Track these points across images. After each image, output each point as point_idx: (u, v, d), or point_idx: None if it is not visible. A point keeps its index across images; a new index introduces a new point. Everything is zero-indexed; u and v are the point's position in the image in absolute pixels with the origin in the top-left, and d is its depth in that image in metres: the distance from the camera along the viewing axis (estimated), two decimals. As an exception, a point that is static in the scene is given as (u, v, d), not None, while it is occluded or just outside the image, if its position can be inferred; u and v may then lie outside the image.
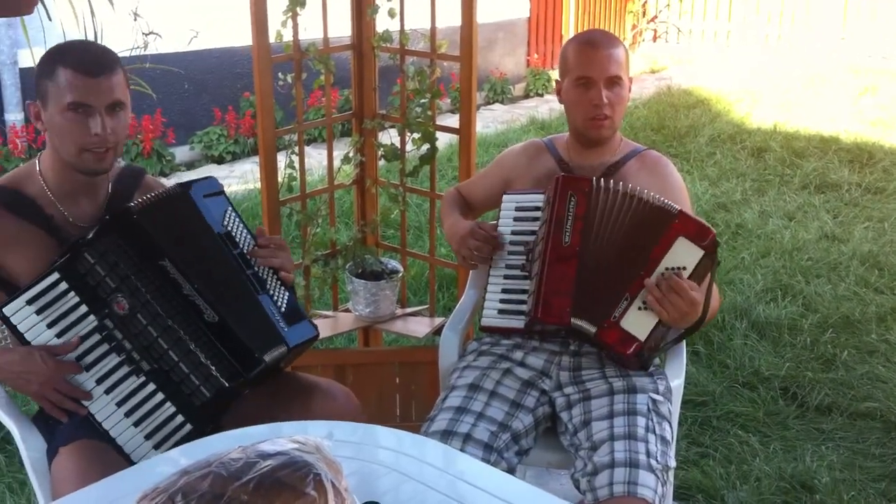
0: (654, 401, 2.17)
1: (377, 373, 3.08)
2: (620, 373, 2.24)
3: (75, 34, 2.33)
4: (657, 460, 2.01)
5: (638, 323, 2.13)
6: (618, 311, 2.13)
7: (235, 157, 7.33)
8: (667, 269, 2.12)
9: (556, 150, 2.48)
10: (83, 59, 1.96)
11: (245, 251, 2.08)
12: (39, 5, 2.32)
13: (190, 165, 7.16)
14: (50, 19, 2.46)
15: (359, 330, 3.23)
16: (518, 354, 2.33)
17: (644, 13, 12.33)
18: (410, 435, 1.82)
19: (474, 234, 2.39)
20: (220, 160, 7.23)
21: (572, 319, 2.17)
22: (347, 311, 3.18)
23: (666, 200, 2.21)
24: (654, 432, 2.09)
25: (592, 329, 2.16)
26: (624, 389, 2.19)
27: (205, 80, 7.26)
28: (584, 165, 2.42)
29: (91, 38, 2.60)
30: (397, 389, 3.12)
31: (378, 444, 1.78)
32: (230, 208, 2.14)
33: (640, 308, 2.13)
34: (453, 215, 2.57)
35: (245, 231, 2.13)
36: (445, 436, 2.09)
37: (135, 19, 3.05)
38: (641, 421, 2.10)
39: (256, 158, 7.25)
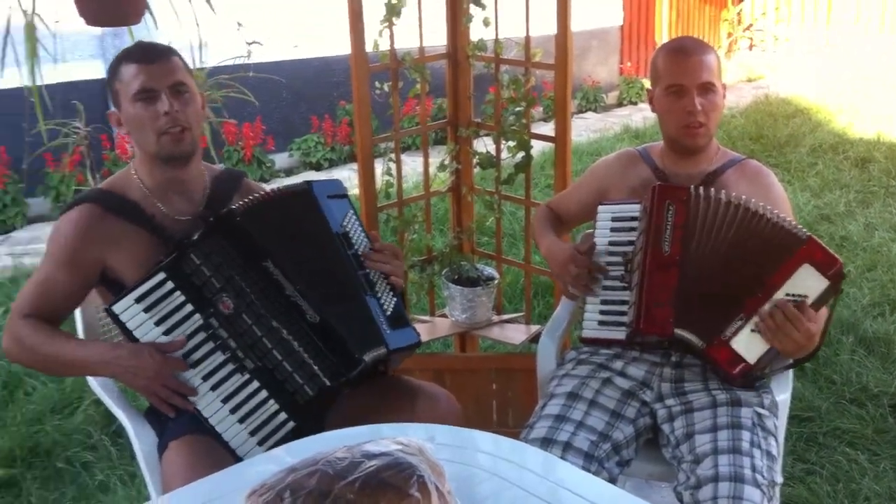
0: (759, 415, 2.12)
1: (474, 379, 3.09)
2: (724, 386, 2.19)
3: (179, 44, 2.40)
4: (763, 475, 1.97)
5: (749, 345, 2.09)
6: (730, 330, 2.09)
7: (332, 164, 7.45)
8: (787, 295, 2.07)
9: (650, 159, 2.45)
10: (138, 49, 2.07)
11: (359, 253, 2.11)
12: (147, 14, 2.40)
13: (289, 172, 7.32)
14: (157, 28, 2.54)
15: (455, 335, 3.25)
16: (618, 364, 2.31)
17: (739, 21, 12.08)
18: (510, 440, 1.81)
19: (575, 260, 2.35)
20: (317, 167, 7.37)
21: (676, 330, 2.13)
22: (444, 316, 3.20)
23: (794, 222, 2.15)
24: (759, 447, 2.04)
25: (700, 343, 2.12)
26: (727, 402, 2.14)
27: (303, 88, 7.40)
28: (681, 174, 2.38)
29: (195, 47, 2.68)
30: (494, 396, 3.13)
31: (477, 448, 1.78)
32: (352, 212, 2.17)
33: (752, 330, 2.08)
34: (548, 235, 2.54)
35: (362, 235, 2.16)
36: (545, 443, 2.08)
37: (238, 29, 3.12)
38: (746, 435, 2.06)
39: (353, 165, 7.42)
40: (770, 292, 2.08)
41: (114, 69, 2.07)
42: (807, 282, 2.08)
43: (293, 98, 7.40)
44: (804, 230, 2.14)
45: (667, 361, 2.28)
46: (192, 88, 2.11)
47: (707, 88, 2.28)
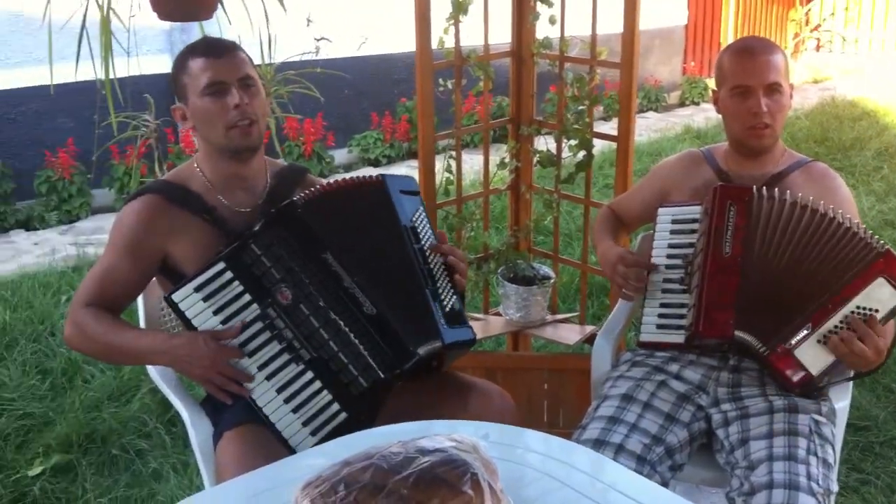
0: (816, 422, 2.08)
1: (526, 378, 3.08)
2: (781, 392, 2.16)
3: (249, 39, 2.44)
4: (818, 484, 1.94)
5: (814, 356, 2.05)
6: (795, 339, 2.05)
7: (390, 161, 7.49)
8: (857, 307, 2.03)
9: (714, 161, 2.41)
10: (205, 43, 2.10)
11: (426, 248, 2.12)
12: (219, 11, 2.44)
13: (348, 168, 7.37)
14: (230, 24, 2.57)
15: (508, 334, 3.24)
16: (674, 367, 2.29)
17: (807, 21, 11.87)
18: (560, 440, 1.80)
19: (623, 260, 2.34)
20: (375, 163, 7.41)
21: (736, 332, 2.10)
22: (498, 314, 3.20)
23: (868, 231, 2.11)
24: (815, 454, 2.00)
25: (763, 349, 2.08)
26: (785, 409, 2.11)
27: (364, 85, 7.45)
28: (745, 176, 2.34)
29: (265, 43, 2.71)
30: (545, 395, 3.12)
31: (527, 447, 1.77)
32: (422, 209, 2.18)
33: (819, 341, 2.04)
34: (605, 240, 2.52)
35: (430, 232, 2.16)
36: (597, 445, 2.07)
37: (308, 25, 3.14)
38: (803, 442, 2.02)
39: (410, 162, 7.45)
40: (840, 304, 2.04)
41: (180, 63, 2.09)
42: (880, 296, 2.03)
43: (354, 94, 7.45)
44: (881, 241, 2.09)
45: (724, 365, 2.25)
46: (258, 82, 2.14)
47: (773, 89, 2.24)
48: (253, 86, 2.10)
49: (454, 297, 2.13)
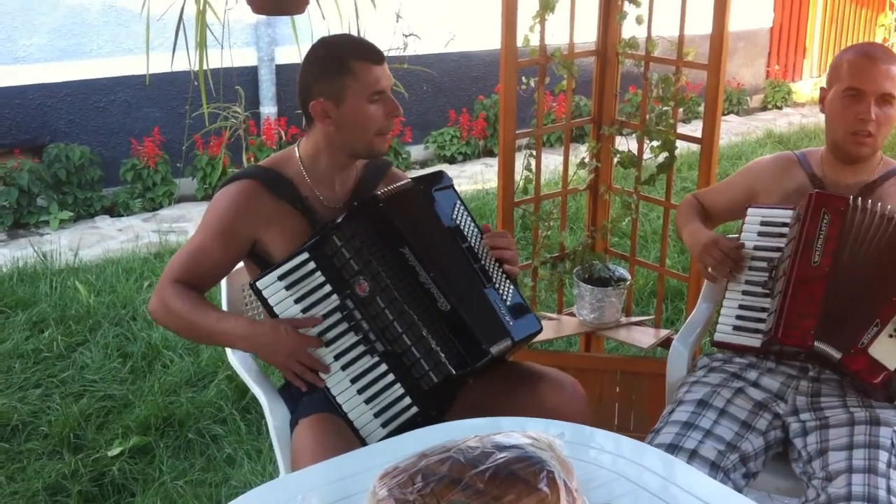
0: (898, 435, 2.04)
1: (598, 379, 3.07)
2: (863, 403, 2.12)
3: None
4: (899, 499, 1.90)
5: (888, 351, 2.01)
6: (866, 338, 2.02)
7: (466, 158, 7.51)
8: None
9: (808, 165, 2.37)
10: (368, 48, 2.12)
11: (473, 245, 2.13)
12: (314, 5, 2.47)
13: (423, 164, 7.42)
14: (324, 18, 2.61)
15: (581, 335, 3.23)
16: (752, 374, 2.26)
17: (897, 27, 11.54)
18: (631, 440, 1.79)
19: (718, 243, 2.32)
20: (451, 160, 7.44)
21: (815, 343, 2.07)
22: (571, 314, 3.19)
23: None
24: (896, 468, 1.96)
25: (837, 355, 2.06)
26: (866, 421, 2.07)
27: (442, 82, 7.48)
28: (839, 183, 2.30)
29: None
30: (617, 398, 3.10)
31: (597, 447, 1.76)
32: (459, 202, 2.19)
33: (890, 336, 2.01)
34: (693, 223, 2.50)
35: (473, 225, 2.18)
36: (671, 449, 2.05)
37: (397, 20, 3.17)
38: (884, 455, 1.98)
39: (486, 160, 7.46)
40: None
41: (338, 62, 2.08)
42: None
43: (433, 91, 7.48)
44: None
45: (804, 375, 2.22)
46: None
47: (886, 100, 2.21)
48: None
49: (511, 287, 2.14)
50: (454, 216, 2.15)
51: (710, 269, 2.35)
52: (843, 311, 2.09)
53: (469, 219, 2.18)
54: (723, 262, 2.31)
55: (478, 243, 2.14)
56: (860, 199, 2.18)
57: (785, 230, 2.27)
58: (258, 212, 2.12)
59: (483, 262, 2.12)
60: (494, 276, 2.12)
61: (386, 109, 2.11)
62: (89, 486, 2.98)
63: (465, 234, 2.14)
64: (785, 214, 2.29)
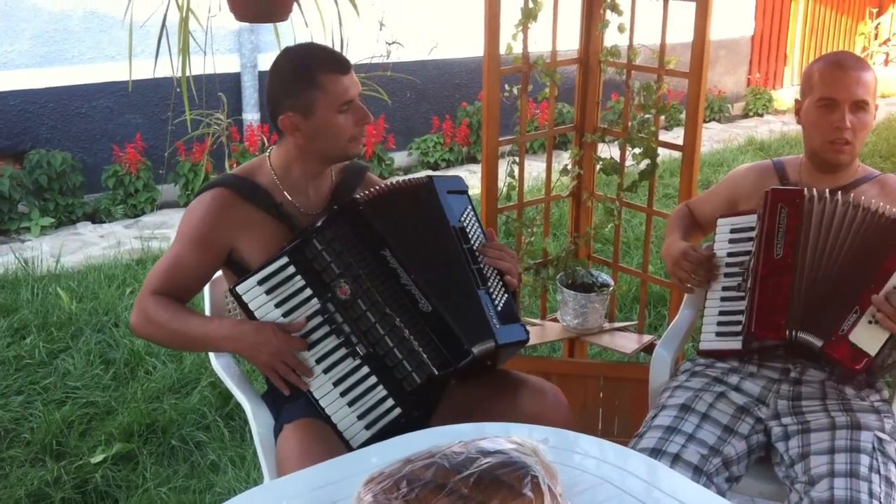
0: (879, 439, 2.06)
1: (581, 384, 3.08)
2: (843, 407, 2.14)
3: (321, 42, 2.47)
4: (880, 502, 1.92)
5: (868, 337, 2.05)
6: (846, 325, 2.06)
7: (449, 165, 7.52)
8: None
9: (784, 173, 2.41)
10: (333, 58, 2.13)
11: (475, 248, 2.14)
12: (296, 13, 2.47)
13: (407, 171, 7.43)
14: (307, 25, 2.62)
15: (565, 340, 3.24)
16: (734, 378, 2.28)
17: (877, 35, 11.63)
18: (615, 445, 1.80)
19: (687, 255, 2.37)
20: (434, 167, 7.45)
21: (792, 332, 2.12)
22: (555, 320, 3.20)
23: None
24: (878, 472, 1.98)
25: (819, 343, 2.09)
26: (847, 425, 2.09)
27: (425, 89, 7.50)
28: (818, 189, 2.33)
29: (337, 46, 2.74)
30: (601, 403, 3.11)
31: (581, 451, 1.77)
32: (470, 208, 2.21)
33: (870, 322, 2.05)
34: (673, 235, 2.54)
35: (479, 231, 2.20)
36: (654, 454, 2.07)
37: (380, 28, 3.18)
38: (865, 459, 2.00)
39: (469, 167, 7.47)
40: (883, 280, 2.06)
41: (305, 76, 2.08)
42: None
43: (416, 98, 7.49)
44: None
45: (785, 378, 2.24)
46: None
47: (860, 107, 2.24)
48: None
49: (505, 295, 2.14)
50: (462, 219, 2.17)
51: (682, 282, 2.40)
52: (820, 301, 2.13)
53: (477, 226, 2.20)
54: (693, 273, 2.36)
55: (480, 248, 2.16)
56: (815, 189, 2.22)
57: (752, 234, 2.31)
58: (233, 220, 2.13)
59: (482, 265, 2.13)
60: (491, 280, 2.13)
61: (356, 118, 2.13)
62: (72, 493, 2.96)
63: (470, 236, 2.15)
64: (751, 220, 2.33)
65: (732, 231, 2.37)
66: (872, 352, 2.05)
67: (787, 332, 2.13)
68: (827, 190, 2.22)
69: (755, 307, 2.17)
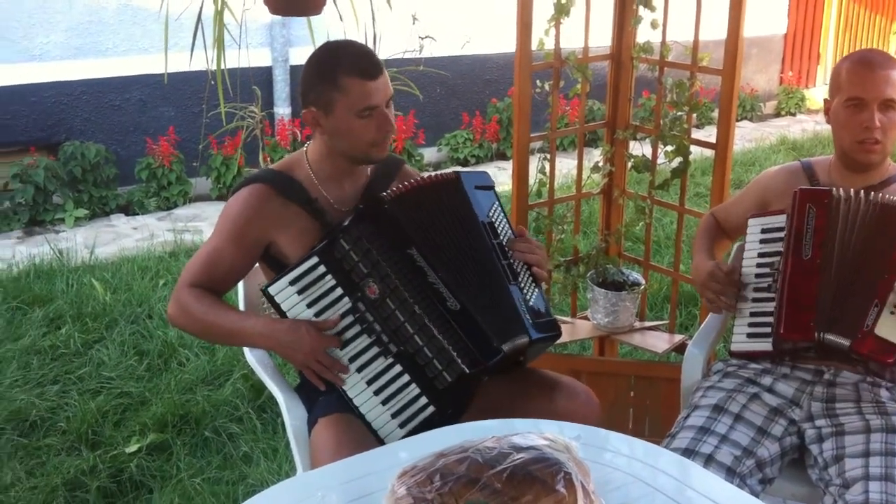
0: (914, 443, 2.04)
1: (612, 383, 3.08)
2: (878, 410, 2.12)
3: (354, 36, 2.48)
4: (915, 506, 1.90)
5: (893, 328, 2.03)
6: (869, 319, 2.05)
7: (479, 161, 7.53)
8: None
9: (813, 174, 2.39)
10: (361, 63, 2.08)
11: (504, 243, 2.15)
12: (330, 7, 2.49)
13: (436, 166, 7.44)
14: (341, 19, 2.63)
15: (595, 339, 3.24)
16: (767, 380, 2.26)
17: (911, 34, 11.50)
18: (645, 443, 1.80)
19: (714, 276, 2.35)
20: (464, 163, 7.45)
21: (820, 334, 2.10)
22: (585, 318, 3.20)
23: None
24: (912, 476, 1.97)
25: (846, 342, 2.08)
26: (882, 428, 2.07)
27: (456, 84, 7.50)
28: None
29: (370, 41, 2.75)
30: (631, 403, 3.10)
31: (612, 449, 1.77)
32: (497, 203, 2.21)
33: (892, 312, 2.04)
34: (700, 253, 2.52)
35: (507, 226, 2.20)
36: (687, 454, 2.06)
37: (413, 23, 3.19)
38: (900, 463, 1.99)
39: (499, 163, 7.48)
40: None
41: (328, 76, 2.09)
42: None
43: (446, 93, 7.50)
44: None
45: (819, 380, 2.23)
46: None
47: (889, 105, 2.21)
48: (391, 106, 2.15)
49: (536, 290, 2.15)
50: (490, 213, 2.17)
51: (711, 303, 2.39)
52: (843, 300, 2.12)
53: (505, 221, 2.20)
54: (721, 293, 2.34)
55: (508, 243, 2.16)
56: (842, 189, 2.20)
57: (782, 234, 2.29)
58: (270, 215, 2.14)
59: (512, 260, 2.13)
60: (521, 275, 2.13)
61: (377, 124, 2.11)
62: (108, 482, 3.00)
63: (499, 231, 2.15)
64: (780, 219, 2.32)
65: (763, 231, 2.35)
66: None
67: (816, 334, 2.12)
68: (852, 189, 2.21)
69: (784, 308, 2.16)
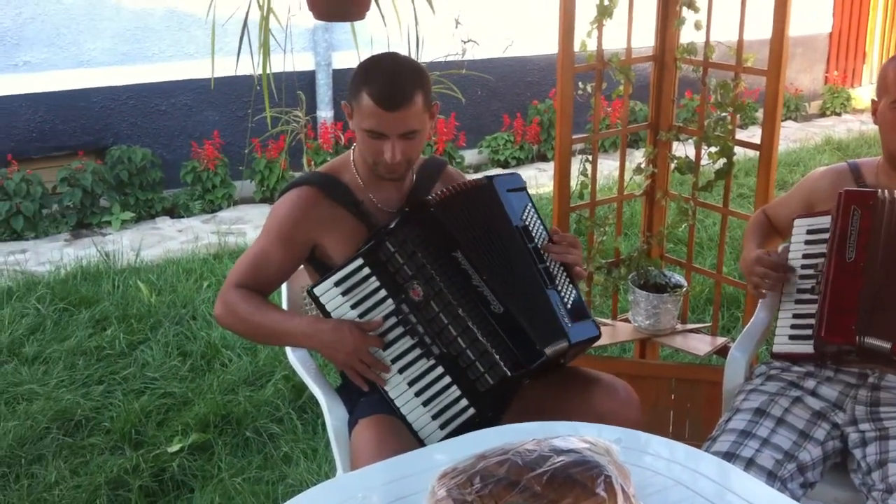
0: (958, 448, 2.01)
1: (653, 386, 3.06)
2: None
3: (397, 40, 2.50)
4: (959, 512, 1.87)
5: None
6: None
7: (520, 163, 7.52)
8: None
9: (860, 175, 2.36)
10: (383, 90, 2.05)
11: (539, 246, 2.15)
12: (374, 11, 2.50)
13: (477, 168, 7.44)
14: (385, 24, 2.65)
15: (636, 341, 3.22)
16: (810, 383, 2.24)
17: (959, 32, 11.28)
18: (685, 447, 1.79)
19: (760, 261, 2.34)
20: (504, 165, 7.45)
21: (861, 338, 2.08)
22: (626, 321, 3.18)
23: None
24: (956, 481, 1.93)
25: (887, 346, 2.05)
26: (927, 432, 2.04)
27: (497, 86, 7.50)
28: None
29: (413, 44, 2.76)
30: (672, 405, 3.08)
31: (652, 452, 1.76)
32: (530, 204, 2.22)
33: None
34: (749, 245, 2.52)
35: (542, 227, 2.20)
36: (728, 458, 2.05)
37: (456, 26, 3.20)
38: (944, 468, 1.95)
39: (539, 165, 7.46)
40: None
41: (357, 83, 2.09)
42: None
43: (487, 95, 7.50)
44: None
45: (863, 383, 2.20)
46: (423, 128, 2.13)
47: None
48: (413, 137, 2.11)
49: (573, 291, 2.15)
50: (524, 216, 2.18)
51: (756, 287, 2.37)
52: (884, 302, 2.09)
53: (539, 222, 2.21)
54: (765, 277, 2.33)
55: (544, 245, 2.16)
56: (886, 191, 2.17)
57: (827, 236, 2.27)
58: (317, 217, 2.16)
59: (548, 263, 2.14)
60: (558, 278, 2.14)
61: (376, 149, 2.10)
62: (150, 481, 3.04)
63: (533, 235, 2.16)
64: (826, 220, 2.29)
65: (809, 232, 2.33)
66: None
67: (857, 337, 2.09)
68: (880, 190, 2.18)
69: (826, 311, 2.14)
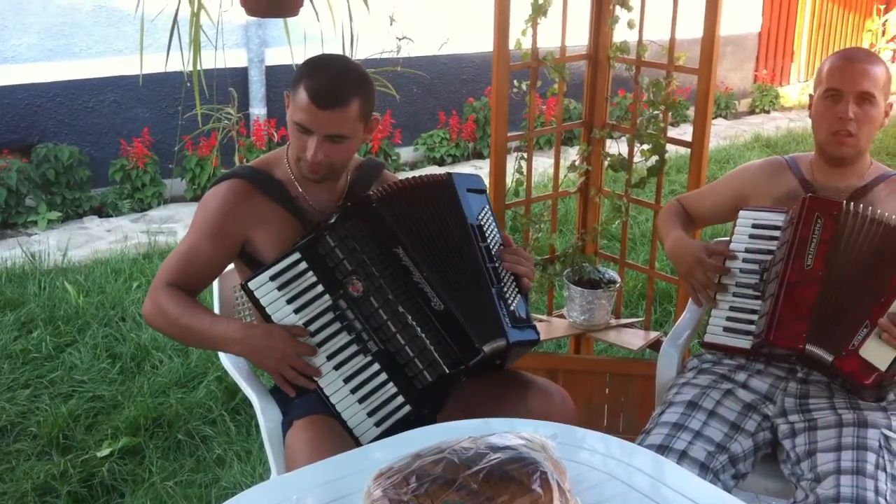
0: (886, 437, 2.06)
1: (587, 381, 3.09)
2: (850, 405, 2.14)
3: (331, 37, 2.47)
4: (886, 499, 1.92)
5: (878, 352, 2.04)
6: (857, 339, 2.05)
7: (455, 160, 7.52)
8: None
9: (798, 170, 2.40)
10: (320, 88, 2.03)
11: (492, 247, 2.14)
12: (307, 7, 2.47)
13: (413, 166, 7.43)
14: (318, 20, 2.62)
15: (571, 336, 3.24)
16: (741, 376, 2.27)
17: (884, 32, 11.59)
18: (620, 441, 1.80)
19: (704, 264, 2.33)
20: (440, 162, 7.45)
21: (807, 346, 2.09)
22: (561, 316, 3.20)
23: None
24: (884, 470, 1.98)
25: (829, 357, 2.08)
26: (854, 423, 2.09)
27: (433, 84, 7.49)
28: (829, 187, 2.32)
29: (347, 41, 2.74)
30: (606, 400, 3.11)
31: (587, 447, 1.77)
32: (487, 207, 2.21)
33: (880, 337, 2.04)
34: (675, 230, 2.50)
35: (496, 231, 2.20)
36: (661, 450, 2.07)
37: (391, 24, 3.18)
38: (871, 457, 2.00)
39: (475, 163, 7.48)
40: (892, 297, 2.05)
41: (298, 78, 2.07)
42: None
43: (423, 93, 7.49)
44: None
45: (792, 376, 2.24)
46: (354, 135, 2.11)
47: (865, 99, 2.23)
48: (340, 142, 2.08)
49: (518, 296, 2.15)
50: (480, 216, 2.17)
51: (695, 290, 2.37)
52: (834, 314, 2.12)
53: (494, 226, 2.20)
54: (708, 286, 2.32)
55: (496, 248, 2.16)
56: (853, 203, 2.20)
57: (776, 233, 2.29)
58: (249, 211, 2.13)
59: (498, 264, 2.13)
60: (505, 280, 2.13)
61: (301, 144, 2.09)
62: (78, 486, 2.97)
63: (487, 235, 2.15)
64: (777, 217, 2.31)
65: (755, 226, 2.34)
66: (883, 366, 2.03)
67: (805, 346, 2.11)
68: (861, 206, 2.20)
69: (777, 314, 2.14)
